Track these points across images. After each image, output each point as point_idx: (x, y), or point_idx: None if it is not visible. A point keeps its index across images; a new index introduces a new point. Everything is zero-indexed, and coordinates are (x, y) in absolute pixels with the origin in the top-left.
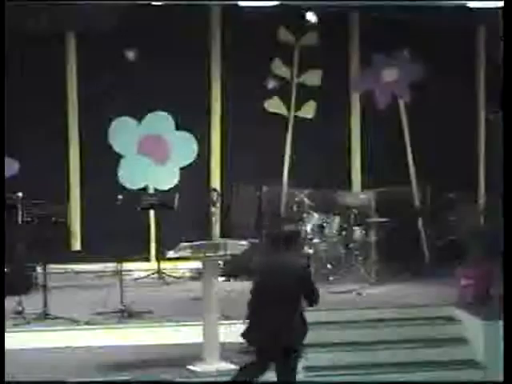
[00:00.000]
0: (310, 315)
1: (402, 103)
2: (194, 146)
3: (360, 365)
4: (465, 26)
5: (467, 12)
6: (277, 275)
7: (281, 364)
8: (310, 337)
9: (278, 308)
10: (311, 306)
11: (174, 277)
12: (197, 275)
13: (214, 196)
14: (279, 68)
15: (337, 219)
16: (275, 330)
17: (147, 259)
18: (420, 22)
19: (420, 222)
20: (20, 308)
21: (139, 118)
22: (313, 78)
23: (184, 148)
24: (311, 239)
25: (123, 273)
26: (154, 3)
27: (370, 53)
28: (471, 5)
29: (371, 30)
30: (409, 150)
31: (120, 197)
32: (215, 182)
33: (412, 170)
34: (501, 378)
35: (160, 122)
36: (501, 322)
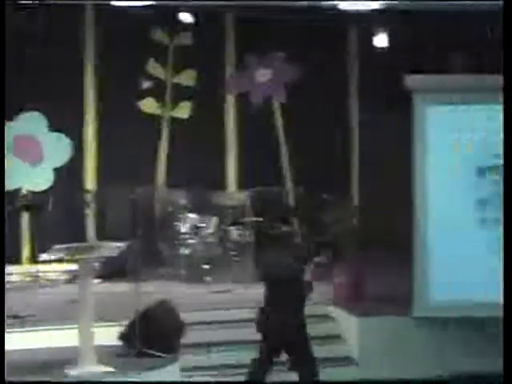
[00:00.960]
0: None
1: (276, 103)
2: (68, 147)
3: (234, 365)
4: (337, 26)
5: (339, 13)
6: (274, 269)
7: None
8: (187, 337)
9: (277, 300)
10: (304, 297)
11: (49, 279)
12: (72, 277)
13: (88, 197)
14: (154, 68)
15: (213, 219)
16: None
17: (20, 262)
18: (294, 22)
19: (295, 222)
20: None
21: (11, 117)
22: (188, 78)
23: (57, 149)
24: (187, 240)
25: None
26: (23, 1)
27: (244, 53)
28: (342, 6)
29: (246, 30)
30: (283, 150)
31: None
32: (89, 183)
33: (286, 170)
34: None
35: (32, 122)
36: (375, 319)
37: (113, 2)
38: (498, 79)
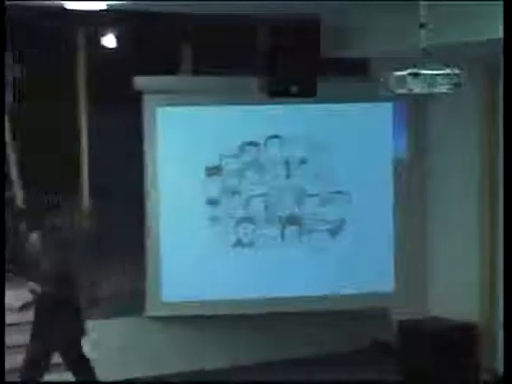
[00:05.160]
0: None
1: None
2: None
3: None
4: (64, 25)
5: (64, 12)
6: None
7: None
8: None
9: None
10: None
11: None
12: None
13: None
14: None
15: None
16: None
17: None
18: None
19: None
20: None
21: None
22: None
23: None
24: None
25: None
26: None
27: None
28: (68, 6)
29: None
30: (10, 149)
31: None
32: None
33: (14, 169)
34: None
35: None
36: (110, 321)
37: None
38: (228, 81)
